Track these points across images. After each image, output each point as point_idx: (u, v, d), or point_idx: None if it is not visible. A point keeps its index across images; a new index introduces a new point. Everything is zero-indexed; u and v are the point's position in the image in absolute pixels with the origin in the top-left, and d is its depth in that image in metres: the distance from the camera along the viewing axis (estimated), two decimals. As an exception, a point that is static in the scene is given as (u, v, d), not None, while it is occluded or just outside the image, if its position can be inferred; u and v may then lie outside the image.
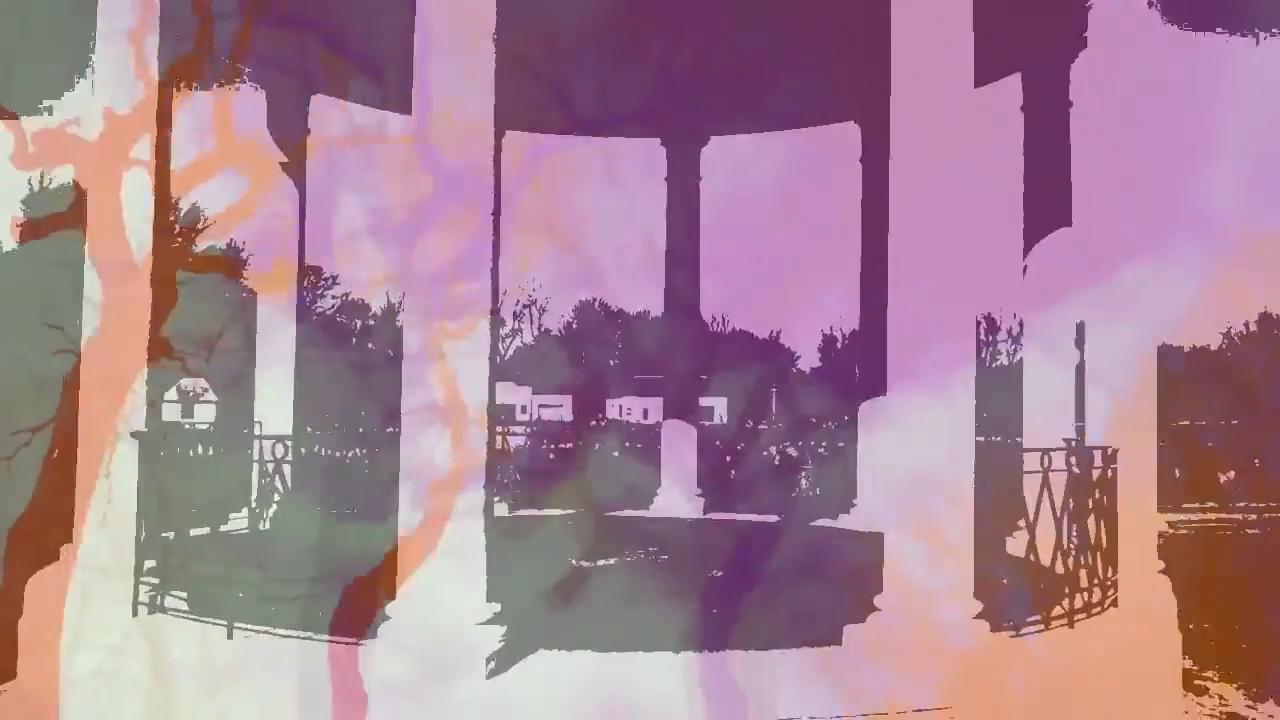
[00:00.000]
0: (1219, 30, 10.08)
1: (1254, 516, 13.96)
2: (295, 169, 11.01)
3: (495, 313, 6.85)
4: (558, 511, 11.02)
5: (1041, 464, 6.73)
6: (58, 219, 8.01)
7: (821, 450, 12.27)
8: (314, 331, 13.90)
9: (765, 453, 13.84)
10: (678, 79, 11.16)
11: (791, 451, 12.97)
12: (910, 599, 5.81)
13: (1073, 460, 6.78)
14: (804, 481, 12.32)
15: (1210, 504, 14.76)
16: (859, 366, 11.81)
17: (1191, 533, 12.76)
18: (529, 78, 11.03)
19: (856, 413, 11.49)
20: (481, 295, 6.39)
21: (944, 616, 5.74)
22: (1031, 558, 6.61)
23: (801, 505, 11.27)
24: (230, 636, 6.16)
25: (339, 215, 11.33)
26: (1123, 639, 6.83)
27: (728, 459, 14.25)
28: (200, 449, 8.66)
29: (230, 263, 9.27)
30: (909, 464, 5.98)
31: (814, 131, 11.97)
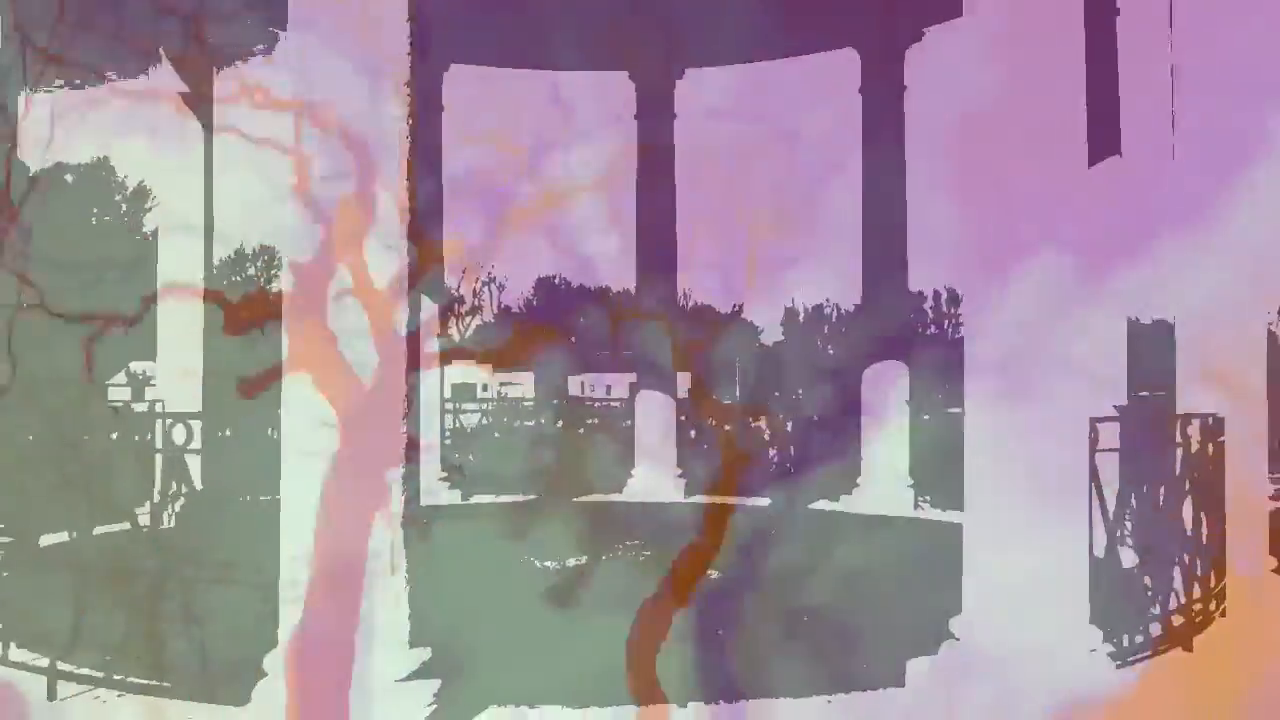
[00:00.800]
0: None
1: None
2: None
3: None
4: (517, 498, 9.25)
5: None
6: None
7: (815, 419, 10.53)
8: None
9: (744, 427, 12.18)
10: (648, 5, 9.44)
11: (775, 425, 11.30)
12: (1000, 623, 4.12)
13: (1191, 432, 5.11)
14: (792, 459, 10.61)
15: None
16: (863, 333, 10.08)
17: None
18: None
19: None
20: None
21: (1050, 648, 4.06)
22: (1139, 569, 4.91)
23: (795, 486, 9.55)
24: (52, 697, 4.32)
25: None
26: (1237, 658, 5.21)
27: (692, 433, 12.58)
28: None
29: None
30: (989, 439, 4.29)
31: (803, 62, 10.18)
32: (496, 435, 11.13)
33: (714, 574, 6.47)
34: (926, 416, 8.72)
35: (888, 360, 9.18)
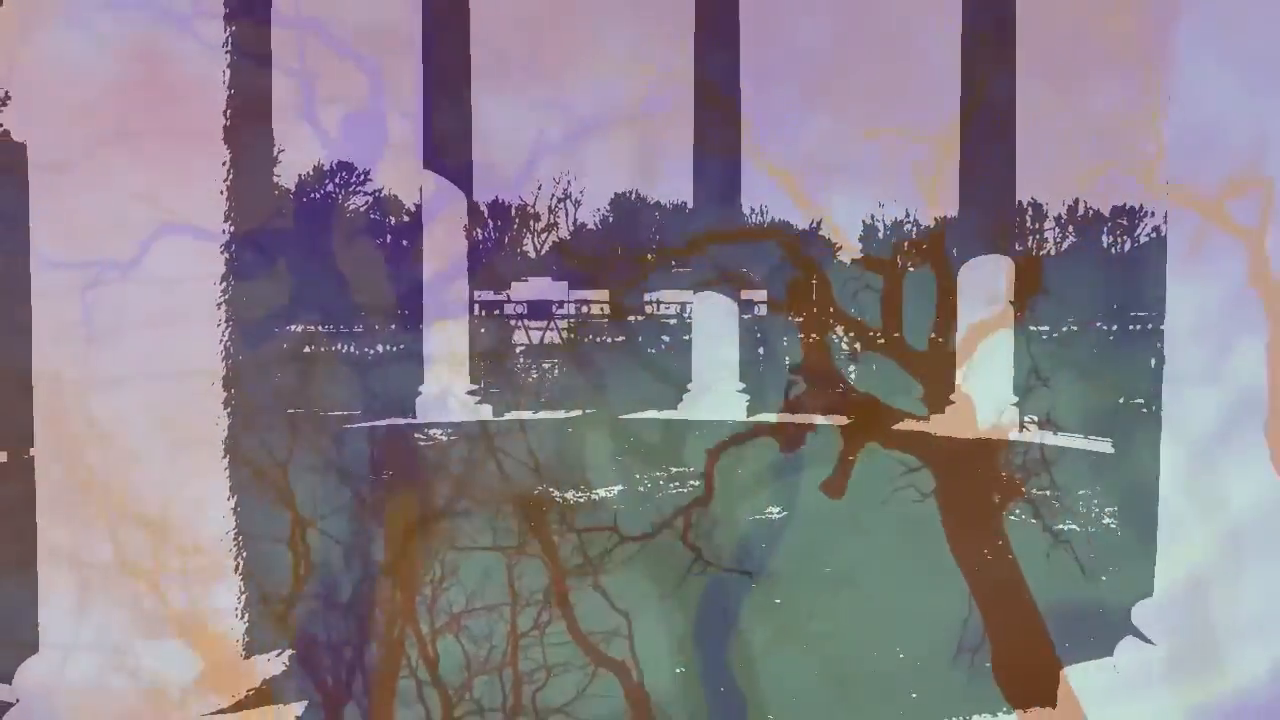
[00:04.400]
0: None
1: None
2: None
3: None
4: (561, 415, 7.89)
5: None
6: None
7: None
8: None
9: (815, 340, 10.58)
10: None
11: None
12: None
13: None
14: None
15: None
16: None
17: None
18: None
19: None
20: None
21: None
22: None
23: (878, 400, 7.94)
24: None
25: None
26: None
27: (762, 350, 11.09)
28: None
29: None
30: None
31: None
32: (526, 353, 9.79)
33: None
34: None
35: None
